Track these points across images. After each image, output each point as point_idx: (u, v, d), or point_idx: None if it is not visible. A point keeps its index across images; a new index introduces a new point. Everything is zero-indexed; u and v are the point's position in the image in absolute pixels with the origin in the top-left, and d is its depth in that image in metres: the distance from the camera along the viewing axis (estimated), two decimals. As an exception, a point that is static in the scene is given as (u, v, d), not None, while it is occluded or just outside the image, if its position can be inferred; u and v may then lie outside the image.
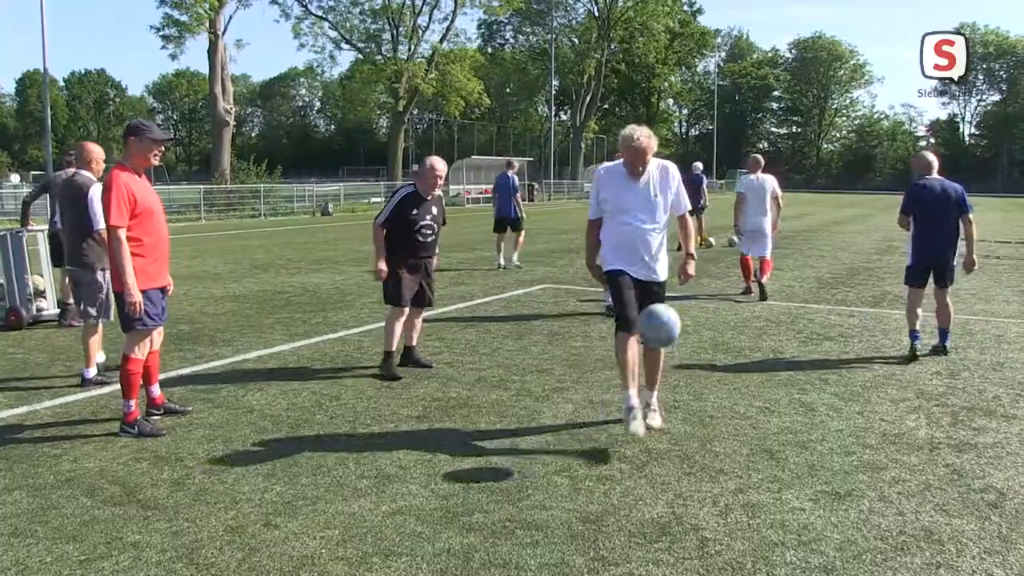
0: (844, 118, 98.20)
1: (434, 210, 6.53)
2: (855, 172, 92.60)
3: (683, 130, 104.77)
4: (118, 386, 5.40)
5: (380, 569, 3.38)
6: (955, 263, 7.47)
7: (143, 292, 4.93)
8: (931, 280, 7.38)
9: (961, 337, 8.26)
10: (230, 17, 38.18)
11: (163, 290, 5.20)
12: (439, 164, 6.53)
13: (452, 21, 48.94)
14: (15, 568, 3.38)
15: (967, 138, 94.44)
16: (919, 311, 7.36)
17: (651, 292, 5.08)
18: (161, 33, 38.99)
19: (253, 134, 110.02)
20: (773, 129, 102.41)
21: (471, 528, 3.76)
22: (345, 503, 4.04)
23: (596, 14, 67.39)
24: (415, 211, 6.43)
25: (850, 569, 3.41)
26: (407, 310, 6.58)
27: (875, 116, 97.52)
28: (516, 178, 14.79)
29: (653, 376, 5.28)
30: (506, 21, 74.79)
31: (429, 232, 6.49)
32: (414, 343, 6.87)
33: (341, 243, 18.98)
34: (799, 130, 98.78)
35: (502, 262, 14.21)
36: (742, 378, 6.55)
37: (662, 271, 5.12)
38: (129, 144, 5.03)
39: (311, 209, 34.33)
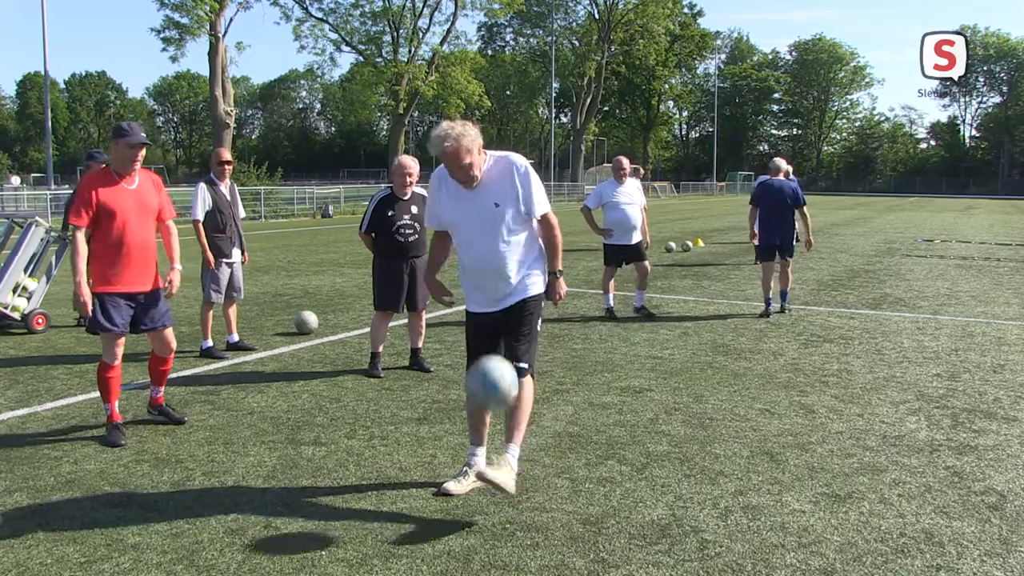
0: (844, 120, 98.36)
1: (413, 209, 6.54)
2: (856, 174, 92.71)
3: (683, 132, 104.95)
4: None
5: (380, 571, 3.38)
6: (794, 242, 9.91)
7: (97, 295, 4.89)
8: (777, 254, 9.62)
9: (961, 339, 8.27)
10: (230, 19, 38.16)
11: (130, 296, 4.98)
12: (407, 161, 6.59)
13: (452, 23, 49.02)
14: (16, 570, 3.38)
15: (967, 140, 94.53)
16: (772, 282, 9.59)
17: (514, 318, 4.08)
18: (162, 35, 39.03)
19: (253, 136, 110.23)
20: (773, 131, 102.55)
21: (471, 530, 3.76)
22: (345, 505, 4.04)
23: (596, 16, 67.52)
24: (391, 212, 6.47)
25: (850, 571, 3.41)
26: (391, 313, 6.67)
27: (875, 118, 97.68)
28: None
29: (516, 425, 4.11)
30: (506, 23, 74.86)
31: (410, 232, 6.50)
32: (418, 345, 6.91)
33: (341, 245, 18.98)
34: (799, 132, 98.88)
35: None
36: (742, 380, 6.55)
37: (525, 289, 4.08)
38: (111, 147, 5.05)
39: (311, 211, 34.34)
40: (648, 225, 9.70)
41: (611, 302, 9.44)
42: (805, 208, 9.71)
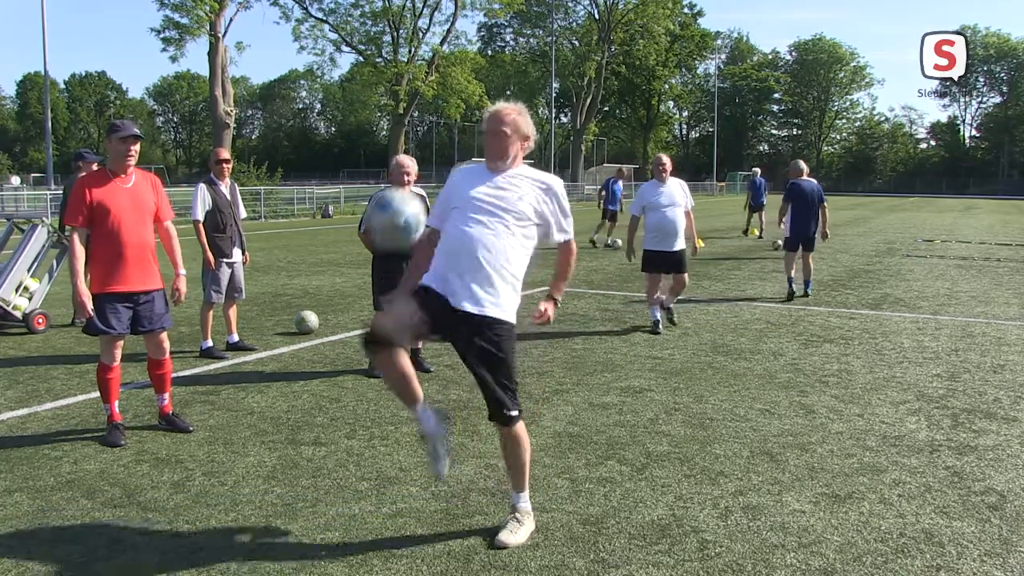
0: (844, 120, 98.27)
1: None
2: (856, 174, 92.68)
3: (683, 132, 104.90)
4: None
5: (380, 571, 3.38)
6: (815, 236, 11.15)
7: (96, 296, 4.87)
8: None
9: (961, 339, 8.27)
10: (230, 19, 38.09)
11: (129, 296, 4.93)
12: (405, 160, 6.60)
13: (452, 23, 48.90)
14: (16, 570, 3.38)
15: (967, 140, 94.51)
16: (793, 271, 11.10)
17: (475, 338, 3.48)
18: (161, 36, 38.99)
19: (253, 136, 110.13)
20: (773, 131, 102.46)
21: (471, 530, 3.76)
22: (345, 505, 4.04)
23: (596, 16, 67.47)
24: None
25: (850, 571, 3.41)
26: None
27: (875, 118, 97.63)
28: (621, 183, 19.75)
29: (520, 471, 3.73)
30: (506, 23, 74.81)
31: None
32: (418, 345, 6.90)
33: (341, 245, 18.98)
34: (799, 132, 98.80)
35: (608, 242, 18.81)
36: (742, 380, 6.55)
37: (495, 304, 3.51)
38: (106, 145, 5.04)
39: (311, 211, 34.34)
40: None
41: (657, 315, 8.59)
42: (825, 205, 11.17)
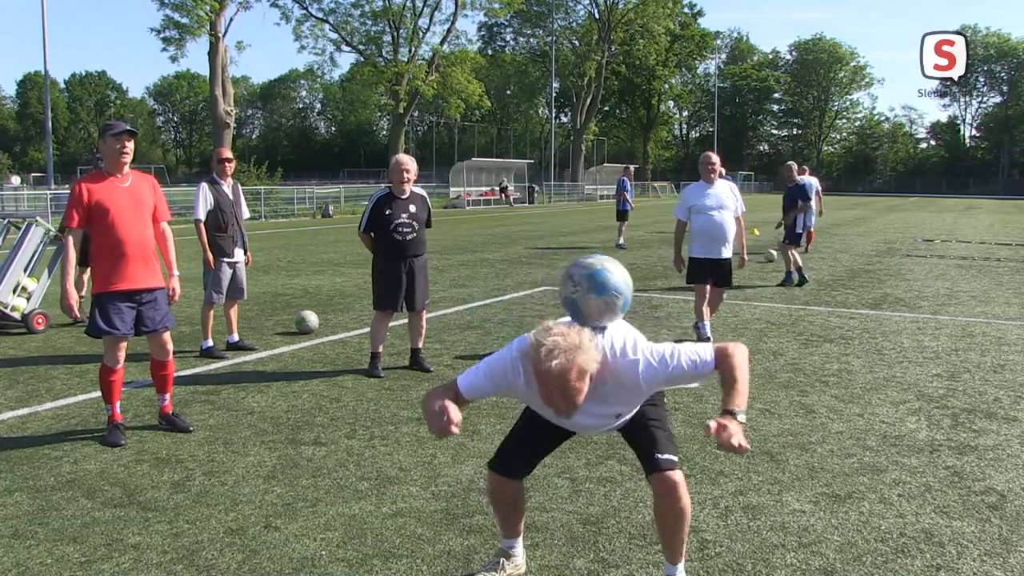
0: (844, 120, 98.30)
1: (412, 208, 6.56)
2: (856, 174, 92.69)
3: (683, 132, 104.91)
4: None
5: (380, 571, 3.38)
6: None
7: (98, 297, 4.88)
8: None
9: (961, 339, 8.27)
10: (230, 19, 38.14)
11: (131, 295, 4.91)
12: (405, 160, 6.63)
13: (453, 23, 48.98)
14: (16, 570, 3.38)
15: (967, 140, 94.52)
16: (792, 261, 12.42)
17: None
18: (162, 35, 39.05)
19: (254, 136, 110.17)
20: (774, 131, 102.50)
21: (471, 530, 3.76)
22: (345, 505, 4.04)
23: (596, 16, 67.51)
24: (388, 210, 6.50)
25: (850, 571, 3.41)
26: (390, 312, 6.68)
27: (875, 118, 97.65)
28: (628, 180, 19.46)
29: (674, 540, 3.17)
30: (506, 23, 74.89)
31: (408, 231, 6.52)
32: (419, 345, 6.91)
33: (341, 245, 18.97)
34: (799, 132, 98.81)
35: (621, 242, 18.53)
36: (742, 380, 6.53)
37: None
38: (100, 147, 5.04)
39: (311, 211, 34.34)
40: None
41: (707, 331, 7.80)
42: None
